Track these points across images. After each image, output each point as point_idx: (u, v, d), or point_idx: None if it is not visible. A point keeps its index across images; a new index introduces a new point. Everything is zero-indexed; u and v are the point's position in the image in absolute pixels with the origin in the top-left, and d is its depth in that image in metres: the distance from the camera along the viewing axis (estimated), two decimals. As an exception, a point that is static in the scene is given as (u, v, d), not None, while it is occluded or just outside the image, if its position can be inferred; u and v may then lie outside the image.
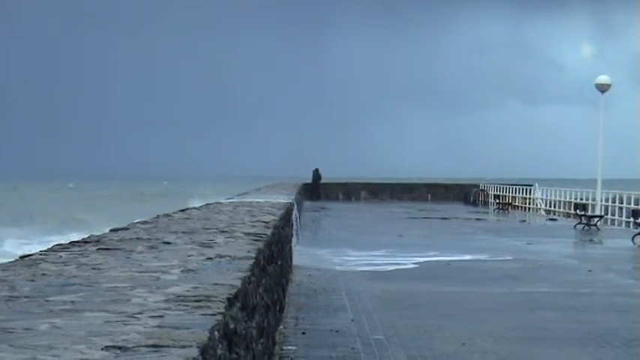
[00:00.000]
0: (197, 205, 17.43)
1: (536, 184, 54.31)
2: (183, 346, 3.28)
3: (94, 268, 5.54)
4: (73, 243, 7.31)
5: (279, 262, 11.94)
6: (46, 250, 6.67)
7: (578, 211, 38.53)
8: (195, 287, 4.71)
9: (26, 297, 4.36)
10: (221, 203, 17.43)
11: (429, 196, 64.87)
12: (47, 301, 4.25)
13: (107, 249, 6.81)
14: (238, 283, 4.97)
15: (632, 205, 36.83)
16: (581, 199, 43.52)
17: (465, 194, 63.59)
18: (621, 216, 38.39)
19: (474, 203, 60.03)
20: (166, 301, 4.26)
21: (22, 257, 6.10)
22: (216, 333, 3.71)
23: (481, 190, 61.88)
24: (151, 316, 3.85)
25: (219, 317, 3.91)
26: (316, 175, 64.98)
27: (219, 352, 3.77)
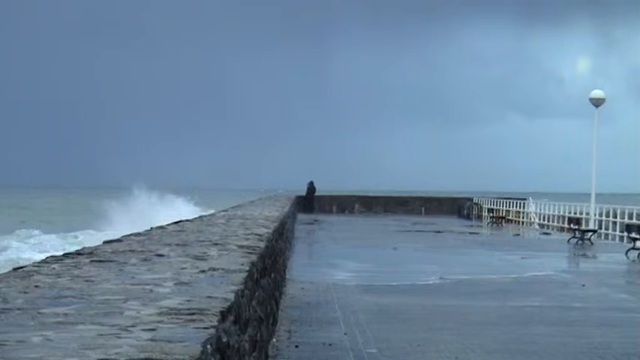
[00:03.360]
0: None
1: (530, 198, 54.35)
2: (176, 360, 3.28)
3: (87, 281, 5.53)
4: (66, 255, 7.30)
5: (273, 275, 11.93)
6: (39, 262, 6.66)
7: (571, 225, 38.55)
8: (188, 300, 4.71)
9: (19, 309, 4.35)
10: (214, 215, 17.42)
11: (423, 209, 64.90)
12: (40, 313, 4.24)
13: (100, 261, 6.80)
14: (232, 296, 4.97)
15: (626, 220, 36.87)
16: (575, 213, 43.56)
17: (459, 208, 63.63)
18: (615, 230, 38.43)
19: (468, 217, 60.06)
20: (159, 314, 4.26)
21: (16, 269, 6.09)
22: (209, 346, 3.71)
23: (475, 203, 61.91)
24: (143, 329, 3.84)
25: (212, 331, 3.91)
26: (311, 187, 64.99)
27: (211, 365, 3.77)
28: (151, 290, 5.12)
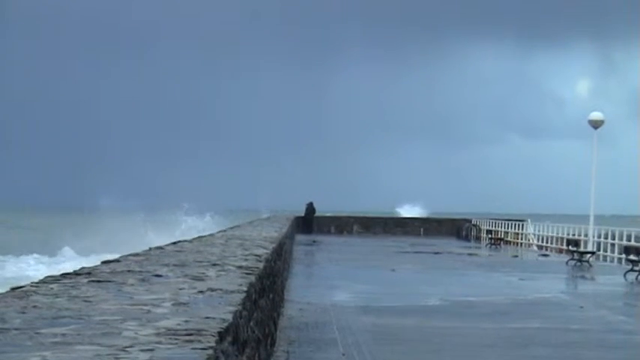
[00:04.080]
0: None
1: (529, 220, 54.36)
2: (174, 381, 3.28)
3: (85, 301, 5.52)
4: (64, 275, 7.30)
5: (271, 296, 11.91)
6: (37, 282, 6.66)
7: (570, 247, 38.56)
8: (186, 321, 4.71)
9: (17, 329, 4.35)
10: (213, 236, 17.41)
11: (422, 230, 64.86)
12: (38, 333, 4.24)
13: (98, 281, 6.79)
14: (230, 317, 4.96)
15: (624, 242, 36.88)
16: (574, 234, 43.56)
17: (458, 229, 63.59)
18: (613, 252, 38.43)
19: (467, 238, 60.02)
20: (157, 334, 4.26)
21: (13, 289, 6.08)
22: (206, 367, 3.70)
23: (473, 225, 61.88)
24: (141, 350, 3.84)
25: (210, 351, 3.90)
26: (310, 208, 64.94)
27: (209, 386, 3.76)
28: (149, 311, 5.12)
